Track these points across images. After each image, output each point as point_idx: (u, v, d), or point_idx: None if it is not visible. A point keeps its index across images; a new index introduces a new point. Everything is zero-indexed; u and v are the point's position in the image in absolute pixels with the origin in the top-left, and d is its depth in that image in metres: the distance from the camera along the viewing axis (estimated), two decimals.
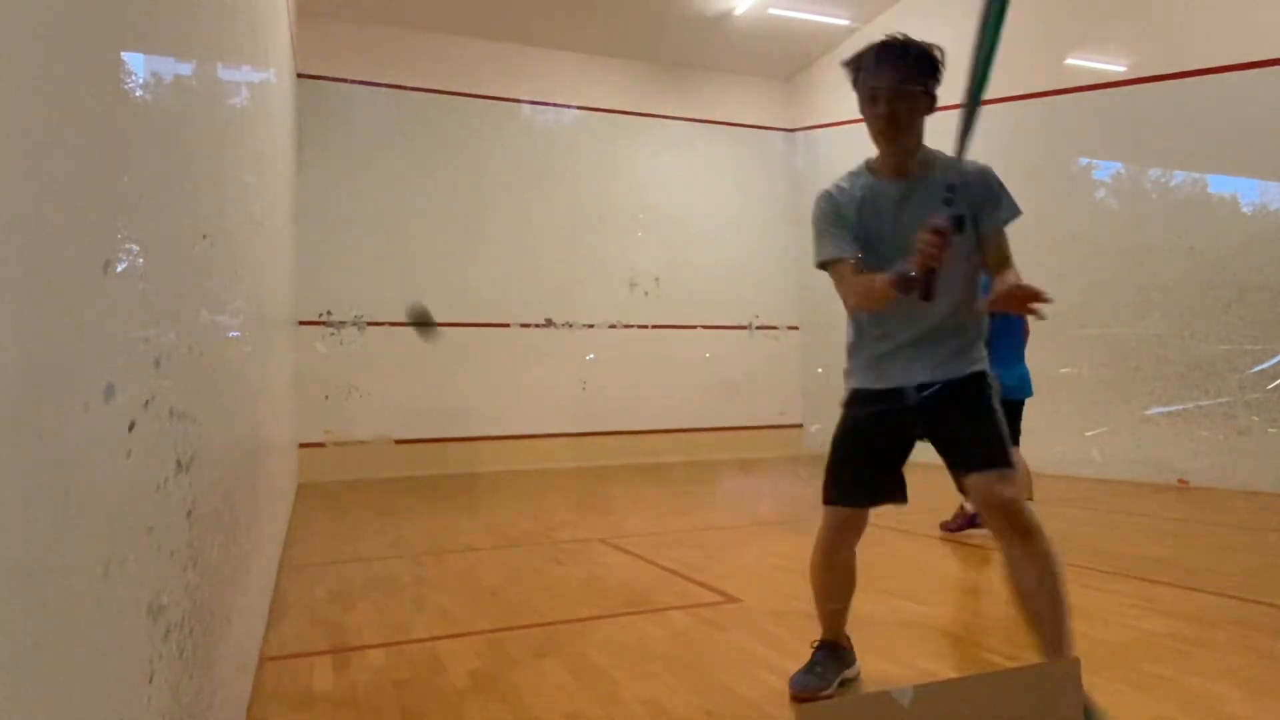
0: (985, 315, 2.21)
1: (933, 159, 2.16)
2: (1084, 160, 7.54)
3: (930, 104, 2.14)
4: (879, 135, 2.12)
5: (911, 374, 2.14)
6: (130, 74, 0.97)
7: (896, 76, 2.08)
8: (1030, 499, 4.23)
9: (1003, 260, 2.09)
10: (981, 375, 2.15)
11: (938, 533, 4.65)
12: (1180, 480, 6.56)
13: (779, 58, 10.63)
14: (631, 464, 9.63)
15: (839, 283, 2.15)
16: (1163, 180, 6.92)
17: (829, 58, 10.53)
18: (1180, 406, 6.61)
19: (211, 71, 1.67)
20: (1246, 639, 2.65)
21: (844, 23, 9.71)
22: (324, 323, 8.86)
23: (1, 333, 0.59)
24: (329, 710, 2.21)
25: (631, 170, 10.46)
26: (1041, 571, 1.93)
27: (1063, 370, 7.21)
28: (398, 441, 8.99)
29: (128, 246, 0.93)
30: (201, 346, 1.43)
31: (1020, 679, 1.21)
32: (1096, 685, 2.22)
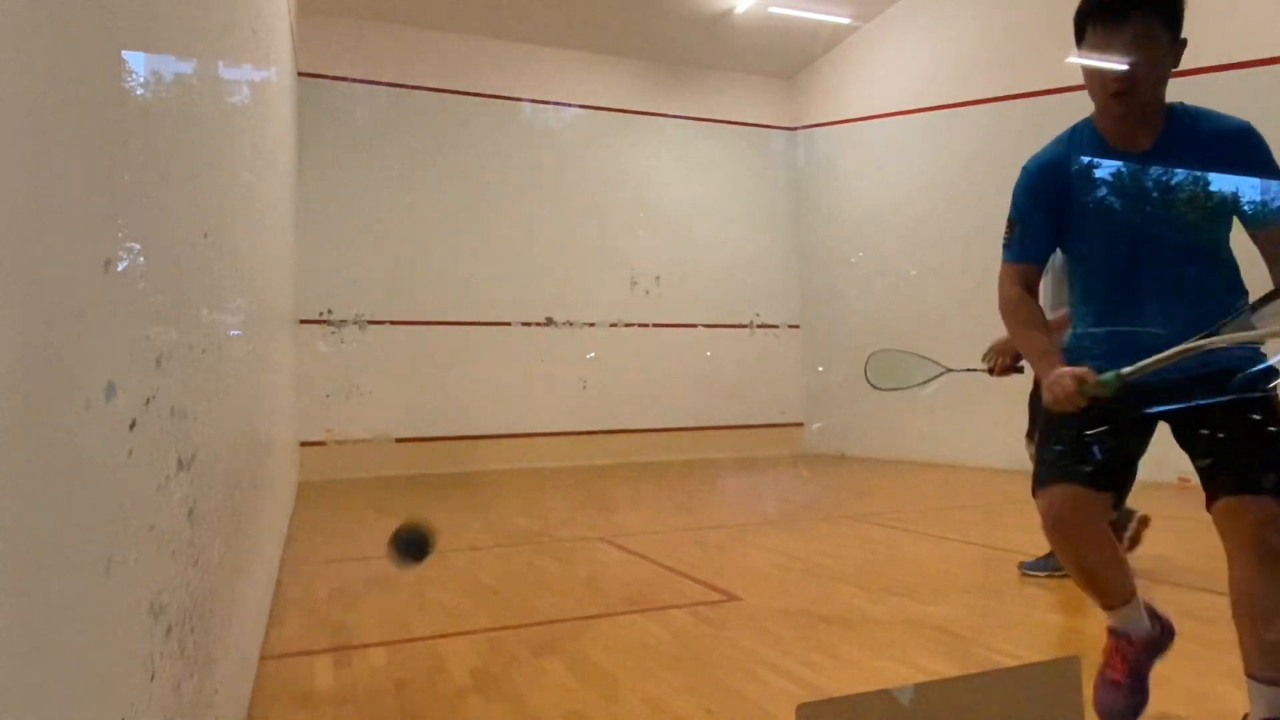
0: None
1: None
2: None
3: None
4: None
5: None
6: (131, 73, 0.97)
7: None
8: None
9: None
10: None
11: (938, 531, 4.65)
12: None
13: (780, 56, 10.63)
14: (632, 462, 9.63)
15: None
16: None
17: (830, 56, 10.53)
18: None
19: (212, 70, 1.67)
20: None
21: (845, 21, 9.70)
22: (325, 321, 8.87)
23: (2, 332, 0.59)
24: (330, 708, 2.21)
25: (632, 169, 10.46)
26: None
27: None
28: (399, 440, 9.00)
29: (128, 245, 0.93)
30: (203, 345, 1.43)
31: (1021, 678, 1.21)
32: None
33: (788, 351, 11.04)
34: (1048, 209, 1.95)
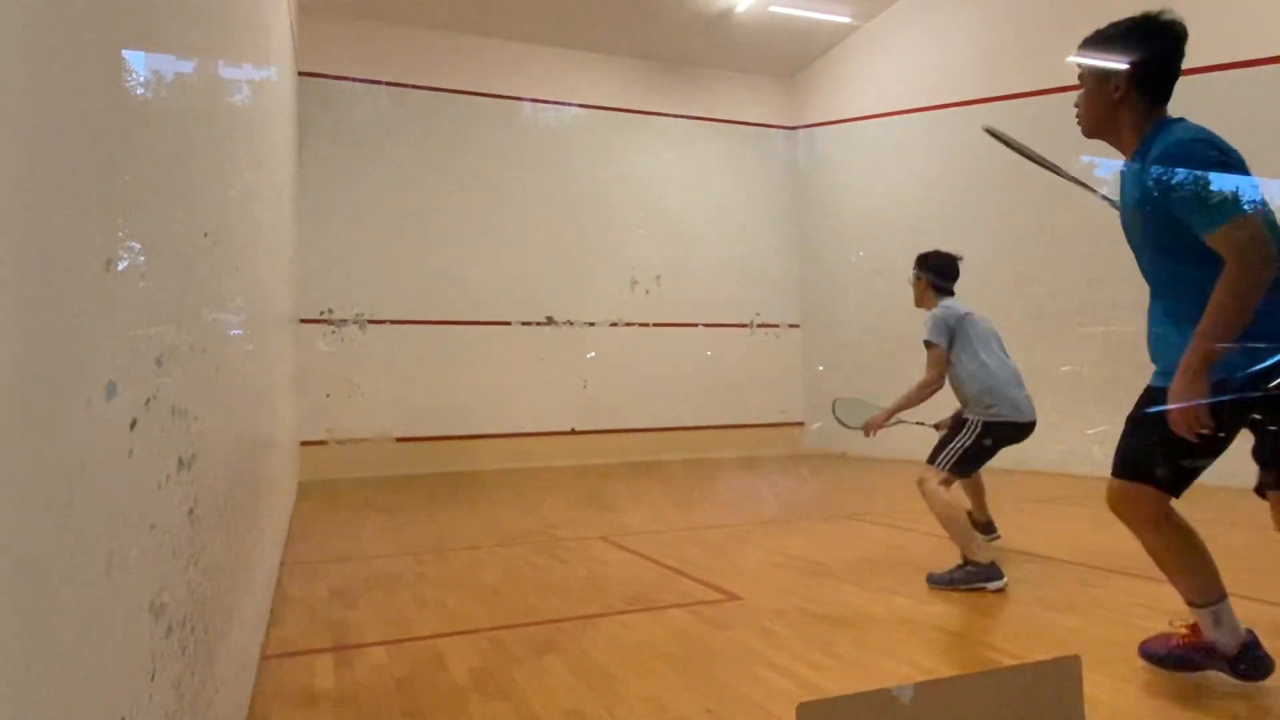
0: None
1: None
2: (1085, 158, 7.53)
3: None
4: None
5: None
6: (131, 72, 0.97)
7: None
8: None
9: None
10: None
11: (938, 531, 4.65)
12: None
13: (780, 55, 10.63)
14: (632, 462, 9.63)
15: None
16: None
17: (830, 55, 10.52)
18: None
19: (212, 70, 1.67)
20: None
21: (845, 20, 9.70)
22: (325, 320, 8.87)
23: (3, 331, 0.59)
24: (330, 707, 2.21)
25: (633, 168, 10.46)
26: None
27: (1064, 368, 7.20)
28: (399, 439, 9.00)
29: (129, 245, 0.93)
30: (203, 344, 1.44)
31: (1021, 677, 1.21)
32: (1098, 682, 2.23)
33: (788, 351, 11.04)
34: None
